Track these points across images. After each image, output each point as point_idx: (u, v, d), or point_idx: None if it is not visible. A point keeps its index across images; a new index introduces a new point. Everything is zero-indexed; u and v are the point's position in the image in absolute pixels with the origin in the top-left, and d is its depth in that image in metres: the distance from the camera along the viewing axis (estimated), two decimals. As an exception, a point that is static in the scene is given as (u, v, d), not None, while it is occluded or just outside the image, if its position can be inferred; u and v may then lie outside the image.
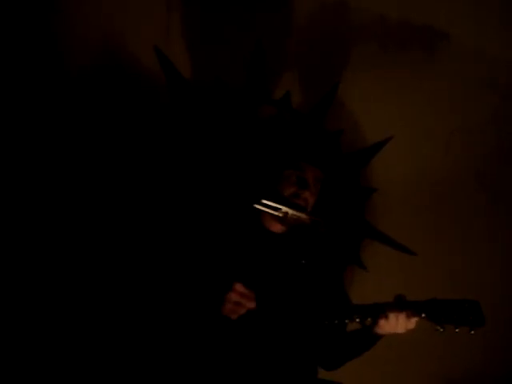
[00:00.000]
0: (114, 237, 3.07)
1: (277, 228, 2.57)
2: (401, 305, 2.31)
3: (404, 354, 3.17)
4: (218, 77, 3.18)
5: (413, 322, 2.31)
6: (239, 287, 2.28)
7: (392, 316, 2.29)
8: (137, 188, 3.11)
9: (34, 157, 3.10)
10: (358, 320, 2.35)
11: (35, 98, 3.12)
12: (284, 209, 2.49)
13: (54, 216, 3.08)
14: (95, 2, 3.17)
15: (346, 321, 2.35)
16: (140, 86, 3.17)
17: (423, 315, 2.29)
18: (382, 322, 2.31)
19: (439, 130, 3.29)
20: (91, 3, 3.17)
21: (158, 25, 3.20)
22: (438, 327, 2.28)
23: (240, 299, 2.27)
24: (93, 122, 3.14)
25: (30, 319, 3.02)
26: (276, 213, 2.49)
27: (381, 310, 2.31)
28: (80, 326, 3.03)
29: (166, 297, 2.50)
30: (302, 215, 2.50)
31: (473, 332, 2.27)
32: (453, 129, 3.29)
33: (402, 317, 2.29)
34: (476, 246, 3.30)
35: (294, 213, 2.49)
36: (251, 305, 2.28)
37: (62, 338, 3.02)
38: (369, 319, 2.33)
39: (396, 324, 2.30)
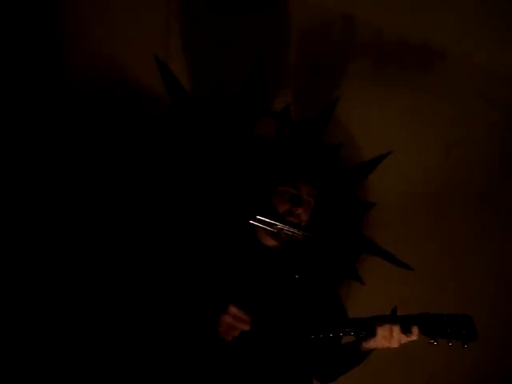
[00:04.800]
0: (108, 248, 3.08)
1: (271, 243, 2.57)
2: (395, 318, 2.31)
3: (398, 369, 3.18)
4: (219, 85, 3.20)
5: (407, 336, 2.31)
6: (234, 310, 2.29)
7: (387, 330, 2.29)
8: (132, 201, 3.12)
9: (37, 162, 3.12)
10: (352, 333, 2.35)
11: (37, 110, 3.15)
12: (279, 225, 2.49)
13: (55, 219, 3.10)
14: (96, 14, 3.20)
15: (341, 334, 2.35)
16: (140, 96, 3.19)
17: (417, 329, 2.30)
18: (376, 335, 2.31)
19: (437, 144, 3.30)
20: (92, 15, 3.20)
21: (158, 35, 3.22)
22: (432, 341, 2.28)
23: (234, 322, 2.28)
24: (93, 132, 3.15)
25: (30, 319, 3.04)
26: (271, 228, 2.50)
27: (375, 324, 2.31)
28: (73, 326, 3.04)
29: (160, 311, 2.50)
30: (297, 231, 2.50)
31: (466, 346, 2.27)
32: (451, 143, 3.30)
33: (396, 330, 2.29)
34: (475, 259, 3.30)
35: (289, 229, 2.49)
36: (245, 327, 2.29)
37: (59, 339, 3.04)
38: (363, 332, 2.33)
39: (390, 338, 2.30)
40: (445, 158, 3.32)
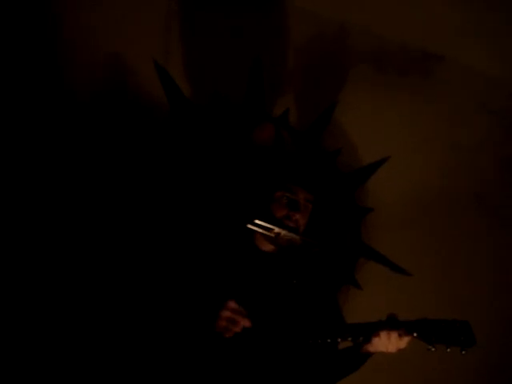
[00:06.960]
0: (108, 249, 3.08)
1: (268, 248, 2.57)
2: (393, 324, 2.31)
3: (395, 374, 3.17)
4: (216, 92, 3.20)
5: (404, 342, 2.30)
6: (232, 304, 2.27)
7: (384, 335, 2.29)
8: (132, 205, 3.12)
9: (37, 164, 3.12)
10: (350, 339, 2.34)
11: (36, 111, 3.14)
12: (276, 229, 2.49)
13: (55, 220, 3.10)
14: (96, 19, 3.20)
15: (339, 339, 2.34)
16: (139, 101, 3.19)
17: (415, 334, 2.28)
18: (373, 340, 2.30)
19: (435, 149, 3.31)
20: (92, 20, 3.20)
21: (158, 41, 3.22)
22: (430, 347, 2.27)
23: (233, 316, 2.26)
24: (92, 135, 3.15)
25: (30, 319, 3.03)
26: (268, 233, 2.50)
27: (373, 329, 2.31)
28: (74, 326, 3.04)
29: (159, 312, 2.49)
30: (294, 236, 2.50)
31: (464, 352, 2.26)
32: (450, 147, 3.30)
33: (394, 336, 2.29)
34: (475, 265, 3.30)
35: (287, 233, 2.49)
36: (245, 322, 2.27)
37: (59, 339, 3.04)
38: (361, 338, 2.32)
39: (388, 343, 2.30)
40: (443, 162, 3.31)
